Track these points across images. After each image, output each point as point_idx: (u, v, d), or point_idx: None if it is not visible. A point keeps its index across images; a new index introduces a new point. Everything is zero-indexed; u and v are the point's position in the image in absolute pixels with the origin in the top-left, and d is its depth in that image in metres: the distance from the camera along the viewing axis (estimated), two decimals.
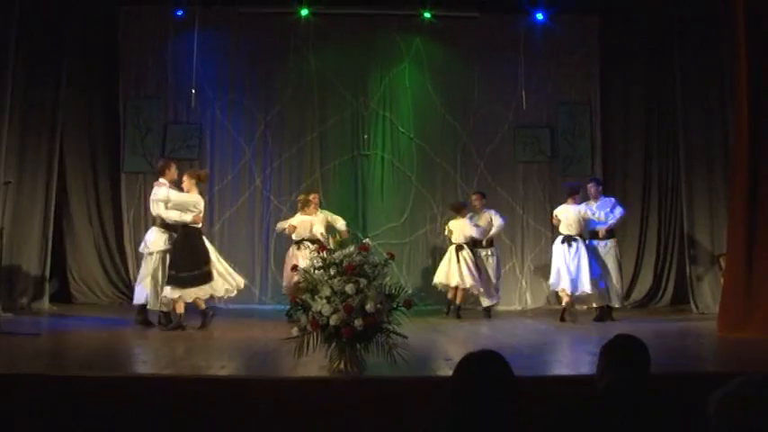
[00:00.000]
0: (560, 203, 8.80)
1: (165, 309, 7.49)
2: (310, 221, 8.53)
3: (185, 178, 7.67)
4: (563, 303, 8.47)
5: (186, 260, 7.38)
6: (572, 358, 6.19)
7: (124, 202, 10.07)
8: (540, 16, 10.25)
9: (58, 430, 4.22)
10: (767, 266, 6.91)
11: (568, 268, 8.22)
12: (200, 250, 7.46)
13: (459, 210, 9.05)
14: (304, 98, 10.27)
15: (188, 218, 7.45)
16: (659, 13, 10.05)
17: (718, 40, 9.07)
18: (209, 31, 9.99)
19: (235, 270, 7.87)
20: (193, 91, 9.77)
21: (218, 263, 7.62)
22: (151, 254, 7.55)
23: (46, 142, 9.42)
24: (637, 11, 10.19)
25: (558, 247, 8.39)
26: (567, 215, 8.47)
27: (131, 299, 9.75)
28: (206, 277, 7.41)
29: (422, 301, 8.63)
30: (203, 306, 7.57)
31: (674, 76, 9.85)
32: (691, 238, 9.63)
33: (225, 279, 7.61)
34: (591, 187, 8.69)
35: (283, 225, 8.74)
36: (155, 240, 7.53)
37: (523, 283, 10.13)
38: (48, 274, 9.40)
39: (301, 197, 8.87)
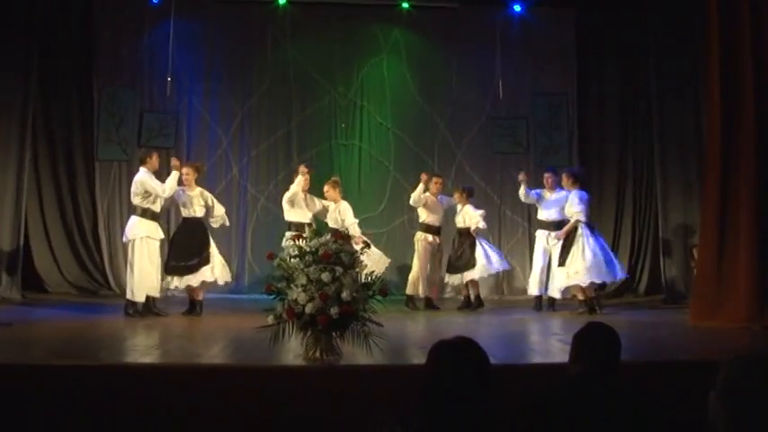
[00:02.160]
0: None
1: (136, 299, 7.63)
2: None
3: (188, 171, 7.98)
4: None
5: (184, 250, 7.78)
6: (545, 347, 6.25)
7: (98, 191, 9.96)
8: (517, 8, 10.29)
9: (30, 420, 4.18)
10: (737, 257, 7.02)
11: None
12: (201, 240, 7.83)
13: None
14: (281, 88, 10.22)
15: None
16: (635, 7, 10.12)
17: (694, 35, 9.16)
18: (186, 20, 9.89)
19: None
20: (169, 79, 9.68)
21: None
22: (130, 242, 7.71)
23: (16, 129, 9.27)
24: (613, 4, 10.26)
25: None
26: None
27: (106, 287, 9.82)
28: (203, 263, 7.74)
29: (398, 290, 8.65)
30: (200, 297, 7.87)
31: (649, 69, 9.94)
32: (665, 229, 9.74)
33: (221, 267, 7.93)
34: (548, 177, 8.72)
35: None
36: (131, 227, 7.75)
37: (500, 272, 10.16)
38: (20, 262, 9.28)
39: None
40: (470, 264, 8.55)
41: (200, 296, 7.86)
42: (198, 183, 8.21)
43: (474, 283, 8.64)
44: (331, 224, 8.06)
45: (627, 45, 10.35)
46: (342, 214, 8.28)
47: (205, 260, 7.77)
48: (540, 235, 8.76)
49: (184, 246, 7.80)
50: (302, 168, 8.40)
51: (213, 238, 8.14)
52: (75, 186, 10.04)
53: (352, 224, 8.00)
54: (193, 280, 7.73)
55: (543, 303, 8.59)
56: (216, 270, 7.82)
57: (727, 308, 6.97)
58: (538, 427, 2.71)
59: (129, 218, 9.83)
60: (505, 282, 10.18)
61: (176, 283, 7.74)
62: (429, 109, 10.33)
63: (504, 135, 10.38)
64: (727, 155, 7.16)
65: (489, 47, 10.09)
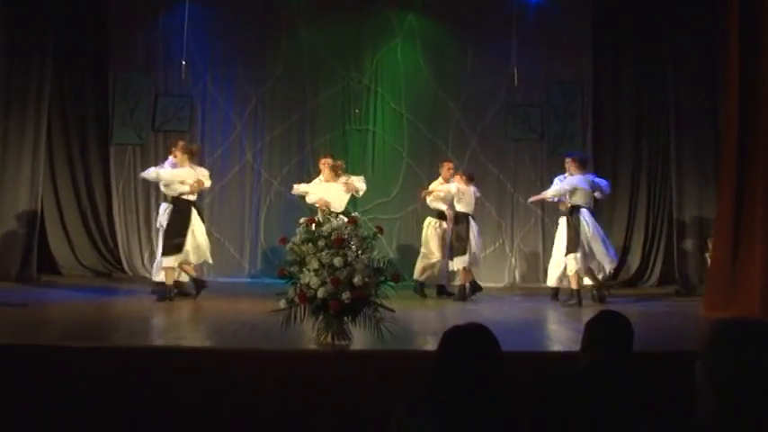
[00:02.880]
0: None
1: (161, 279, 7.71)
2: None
3: (177, 153, 7.87)
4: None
5: (169, 230, 7.69)
6: (559, 335, 6.24)
7: (113, 175, 10.01)
8: None
9: (41, 400, 4.22)
10: (752, 249, 6.96)
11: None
12: (179, 221, 7.69)
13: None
14: (296, 73, 10.20)
15: (181, 190, 7.73)
16: None
17: (712, 24, 9.04)
18: (200, 4, 9.86)
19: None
20: (184, 62, 9.68)
21: (193, 236, 7.74)
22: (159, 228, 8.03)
23: (32, 114, 9.33)
24: None
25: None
26: None
27: (120, 270, 9.90)
28: (177, 248, 7.63)
29: (410, 277, 8.65)
30: (193, 274, 7.83)
31: (666, 59, 9.83)
32: (679, 218, 9.67)
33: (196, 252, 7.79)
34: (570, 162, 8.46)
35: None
36: (160, 214, 8.01)
37: (513, 260, 10.16)
38: (35, 244, 9.36)
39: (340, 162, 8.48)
40: (461, 250, 8.27)
41: (185, 276, 7.88)
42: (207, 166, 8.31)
43: (465, 270, 8.30)
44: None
45: (644, 34, 10.23)
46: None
47: (178, 246, 7.65)
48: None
49: (171, 225, 7.76)
50: (326, 162, 8.32)
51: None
52: (89, 170, 10.10)
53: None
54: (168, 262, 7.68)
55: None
56: (191, 251, 7.74)
57: (740, 299, 6.93)
58: (549, 415, 2.72)
59: (148, 201, 9.94)
60: (518, 269, 10.16)
61: (171, 263, 7.65)
62: (443, 95, 10.27)
63: (519, 122, 10.32)
64: (743, 146, 7.09)
65: (505, 33, 10.00)
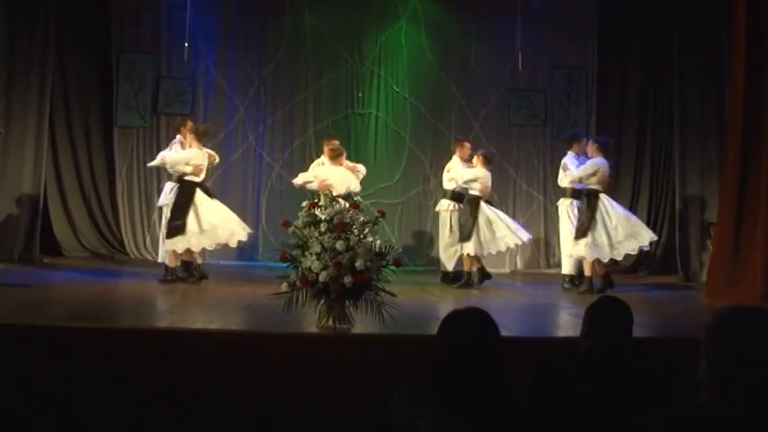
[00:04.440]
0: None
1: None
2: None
3: (186, 133, 7.80)
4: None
5: (172, 212, 7.59)
6: (559, 320, 6.25)
7: (117, 157, 10.00)
8: None
9: (46, 380, 4.24)
10: (755, 235, 6.96)
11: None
12: (181, 204, 7.60)
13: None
14: (298, 55, 10.15)
15: (184, 170, 7.67)
16: None
17: (719, 10, 8.97)
18: None
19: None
20: (186, 44, 9.65)
21: (197, 219, 7.61)
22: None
23: (35, 95, 9.29)
24: None
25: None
26: None
27: (122, 252, 9.92)
28: (177, 230, 7.53)
29: (412, 261, 8.62)
30: (198, 260, 7.72)
31: (671, 46, 9.77)
32: (682, 207, 9.65)
33: (202, 236, 7.64)
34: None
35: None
36: (165, 193, 7.91)
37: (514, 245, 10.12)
38: (38, 227, 9.37)
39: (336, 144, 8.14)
40: (466, 236, 8.05)
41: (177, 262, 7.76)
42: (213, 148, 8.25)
43: (469, 257, 8.08)
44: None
45: (650, 18, 10.16)
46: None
47: (179, 228, 7.57)
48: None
49: (174, 207, 7.70)
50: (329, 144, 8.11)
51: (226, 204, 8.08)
52: (92, 153, 10.09)
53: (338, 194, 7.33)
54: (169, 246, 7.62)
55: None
56: (193, 242, 7.62)
57: (742, 286, 6.93)
58: (549, 399, 2.73)
59: (151, 184, 9.90)
60: (520, 255, 10.15)
61: (172, 245, 7.59)
62: (446, 79, 10.23)
63: (522, 107, 10.28)
64: (748, 134, 7.06)
65: (510, 17, 9.94)
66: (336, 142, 8.17)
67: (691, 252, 9.46)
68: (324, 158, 8.08)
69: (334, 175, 7.78)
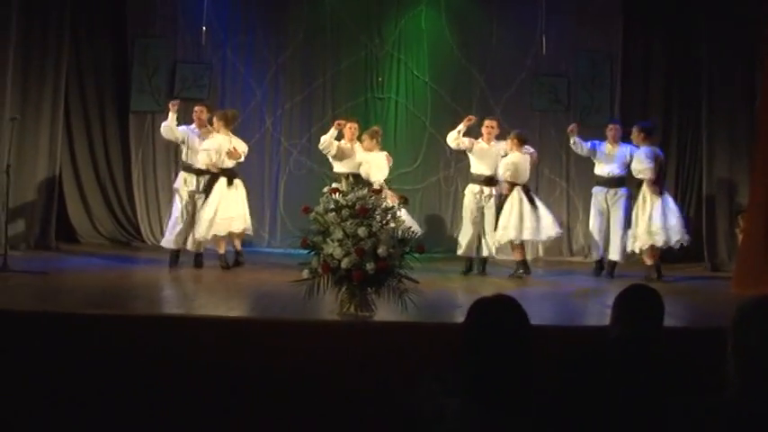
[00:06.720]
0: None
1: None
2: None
3: (214, 120, 7.96)
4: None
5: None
6: (587, 309, 6.12)
7: (132, 141, 9.93)
8: None
9: (63, 367, 4.18)
10: None
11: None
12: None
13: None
14: (317, 40, 10.01)
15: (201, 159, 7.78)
16: None
17: None
18: None
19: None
20: (204, 28, 9.54)
21: (207, 208, 7.68)
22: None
23: (50, 81, 9.23)
24: None
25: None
26: None
27: (138, 239, 9.87)
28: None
29: (432, 248, 8.46)
30: (222, 250, 7.81)
31: (700, 30, 9.53)
32: (709, 194, 9.45)
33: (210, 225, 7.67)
34: (612, 128, 8.31)
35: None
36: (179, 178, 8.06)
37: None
38: (54, 213, 9.33)
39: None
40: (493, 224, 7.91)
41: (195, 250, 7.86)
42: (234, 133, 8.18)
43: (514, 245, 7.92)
44: (363, 177, 7.67)
45: (676, 2, 9.92)
46: (369, 168, 7.83)
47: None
48: (598, 192, 8.22)
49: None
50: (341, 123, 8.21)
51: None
52: (107, 138, 10.01)
53: (375, 181, 7.37)
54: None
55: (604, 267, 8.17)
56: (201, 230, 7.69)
57: None
58: (576, 389, 2.71)
59: (164, 169, 9.86)
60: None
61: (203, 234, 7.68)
62: (467, 63, 10.04)
63: (545, 92, 10.08)
64: None
65: (532, 0, 9.75)
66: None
67: (719, 241, 9.28)
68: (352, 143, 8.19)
69: (375, 161, 7.92)
